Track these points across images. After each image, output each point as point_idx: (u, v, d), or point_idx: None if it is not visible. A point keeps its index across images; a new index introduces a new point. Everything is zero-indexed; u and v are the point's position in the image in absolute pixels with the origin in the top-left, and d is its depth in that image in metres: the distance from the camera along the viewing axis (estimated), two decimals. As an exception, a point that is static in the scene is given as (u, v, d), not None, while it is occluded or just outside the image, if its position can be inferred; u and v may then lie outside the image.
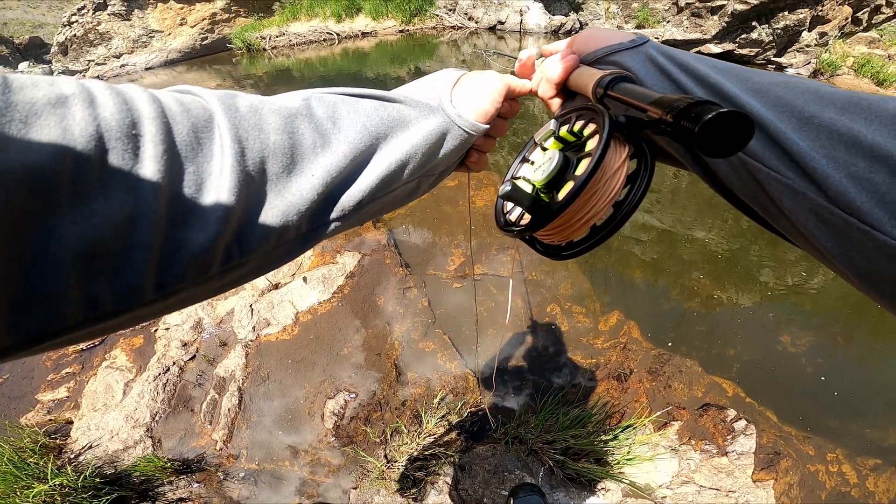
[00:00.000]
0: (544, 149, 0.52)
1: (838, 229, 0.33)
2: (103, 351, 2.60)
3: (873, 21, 8.48)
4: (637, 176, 0.43)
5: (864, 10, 8.11)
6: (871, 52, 8.30)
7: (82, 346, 2.60)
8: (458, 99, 0.50)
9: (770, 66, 8.25)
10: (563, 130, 0.49)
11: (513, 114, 0.57)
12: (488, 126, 0.51)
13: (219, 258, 0.32)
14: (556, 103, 0.56)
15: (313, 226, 0.39)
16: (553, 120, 0.52)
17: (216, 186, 0.31)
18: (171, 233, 0.29)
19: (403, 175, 0.45)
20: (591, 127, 0.45)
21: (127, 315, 0.29)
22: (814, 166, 0.33)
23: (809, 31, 7.77)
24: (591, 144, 0.43)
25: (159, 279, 0.29)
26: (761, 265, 3.14)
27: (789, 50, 8.04)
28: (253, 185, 0.34)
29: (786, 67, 8.14)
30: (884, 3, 8.19)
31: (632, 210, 0.43)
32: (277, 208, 0.35)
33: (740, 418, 2.18)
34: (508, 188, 0.43)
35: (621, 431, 2.07)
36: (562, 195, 0.42)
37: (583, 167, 0.42)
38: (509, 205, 0.54)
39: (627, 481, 1.92)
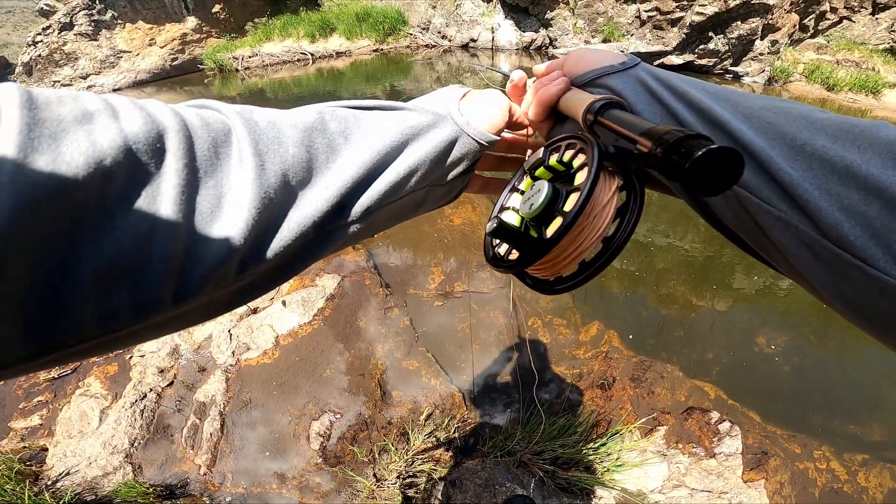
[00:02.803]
0: (534, 178, 0.50)
1: (830, 263, 0.32)
2: (76, 379, 2.51)
3: (819, 27, 8.94)
4: (626, 209, 0.42)
5: (811, 17, 8.56)
6: (820, 59, 8.68)
7: (54, 374, 2.52)
8: (465, 110, 0.50)
9: (728, 75, 8.59)
10: (553, 160, 0.48)
11: (520, 142, 0.58)
12: (498, 138, 0.51)
13: (234, 269, 0.32)
14: (546, 127, 0.56)
15: (320, 232, 0.39)
16: (542, 148, 0.50)
17: (236, 200, 0.32)
18: (190, 246, 0.29)
19: (411, 182, 0.45)
20: (581, 158, 0.44)
21: (142, 325, 0.29)
22: (806, 198, 0.32)
23: (762, 39, 8.15)
24: (580, 178, 0.42)
25: (177, 291, 0.29)
26: (733, 270, 3.23)
27: (744, 59, 8.41)
28: (272, 198, 0.34)
29: (742, 76, 8.49)
30: (828, 9, 8.66)
31: (620, 246, 0.42)
32: (294, 220, 0.36)
33: (724, 420, 2.22)
34: (494, 225, 0.41)
35: (609, 439, 2.09)
36: (550, 231, 0.41)
37: (571, 202, 0.40)
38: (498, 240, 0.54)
39: (619, 488, 1.93)
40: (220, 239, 0.30)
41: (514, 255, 0.45)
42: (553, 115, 0.54)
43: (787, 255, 0.35)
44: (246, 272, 0.33)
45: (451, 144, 0.48)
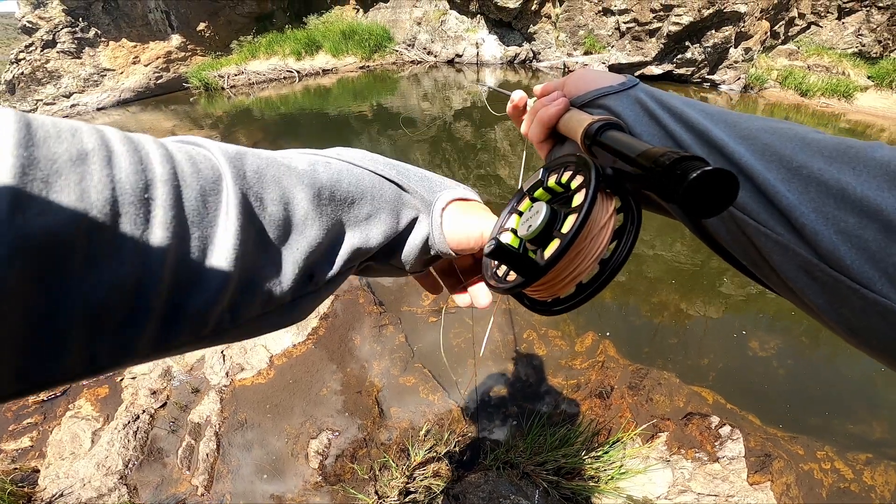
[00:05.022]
0: (533, 199, 0.50)
1: (828, 287, 0.32)
2: (66, 401, 2.46)
3: (789, 33, 9.23)
4: (624, 231, 0.42)
5: (780, 24, 8.84)
6: (792, 64, 8.93)
7: (43, 397, 2.48)
8: (450, 212, 0.51)
9: (705, 83, 8.81)
10: (551, 181, 0.48)
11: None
12: (455, 255, 0.51)
13: (212, 323, 0.33)
14: (546, 147, 0.56)
15: (294, 296, 0.39)
16: (542, 169, 0.51)
17: (218, 254, 0.32)
18: (172, 298, 0.29)
19: (367, 256, 0.46)
20: (579, 179, 0.44)
21: (120, 367, 0.30)
22: (803, 222, 0.32)
23: (735, 47, 8.40)
24: (577, 199, 0.42)
25: (155, 339, 0.30)
26: (722, 276, 3.29)
27: (720, 67, 8.65)
28: (249, 255, 0.34)
29: (719, 84, 8.72)
30: (796, 14, 8.94)
31: (618, 268, 0.42)
32: (266, 278, 0.36)
33: (724, 424, 2.24)
34: (493, 247, 0.40)
35: (610, 447, 2.09)
36: (548, 253, 0.41)
37: (569, 224, 0.40)
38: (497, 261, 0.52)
39: (624, 495, 1.93)
40: (201, 291, 0.31)
41: (513, 276, 0.45)
42: (553, 135, 0.54)
43: (785, 279, 0.35)
44: (221, 325, 0.34)
45: (412, 224, 0.49)
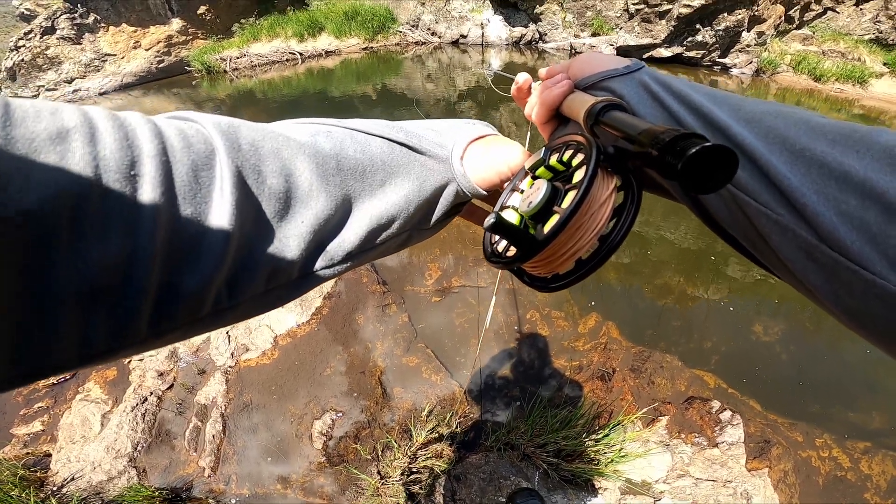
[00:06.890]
0: (534, 178, 0.51)
1: (827, 267, 0.32)
2: (76, 384, 2.50)
3: (805, 19, 9.00)
4: (624, 209, 0.42)
5: (795, 9, 8.62)
6: (806, 49, 8.74)
7: (53, 380, 2.50)
8: (470, 156, 0.50)
9: (716, 67, 8.65)
10: (553, 159, 0.48)
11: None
12: (485, 194, 0.52)
13: (210, 301, 0.32)
14: (549, 128, 0.56)
15: (303, 272, 0.39)
16: (544, 148, 0.51)
17: (213, 230, 0.31)
18: (165, 276, 0.29)
19: (393, 227, 0.45)
20: (580, 157, 0.44)
21: (119, 353, 0.29)
22: (804, 202, 0.32)
23: (748, 31, 8.21)
24: (578, 176, 0.42)
25: (152, 320, 0.29)
26: (728, 260, 3.26)
27: (732, 50, 8.47)
28: (246, 230, 0.33)
29: (730, 67, 8.54)
30: (812, 0, 8.72)
31: (616, 245, 0.42)
32: (267, 254, 0.35)
33: (725, 409, 2.24)
34: (493, 220, 0.40)
35: (611, 430, 2.10)
36: (547, 228, 0.41)
37: (569, 199, 0.41)
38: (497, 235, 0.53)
39: (623, 479, 1.95)
40: (196, 269, 0.30)
41: (513, 251, 0.46)
42: (556, 117, 0.54)
43: (785, 260, 0.35)
44: (220, 304, 0.33)
45: (441, 190, 0.48)
